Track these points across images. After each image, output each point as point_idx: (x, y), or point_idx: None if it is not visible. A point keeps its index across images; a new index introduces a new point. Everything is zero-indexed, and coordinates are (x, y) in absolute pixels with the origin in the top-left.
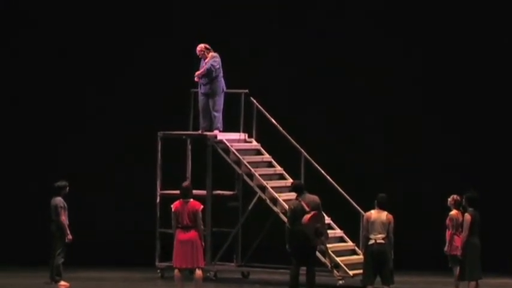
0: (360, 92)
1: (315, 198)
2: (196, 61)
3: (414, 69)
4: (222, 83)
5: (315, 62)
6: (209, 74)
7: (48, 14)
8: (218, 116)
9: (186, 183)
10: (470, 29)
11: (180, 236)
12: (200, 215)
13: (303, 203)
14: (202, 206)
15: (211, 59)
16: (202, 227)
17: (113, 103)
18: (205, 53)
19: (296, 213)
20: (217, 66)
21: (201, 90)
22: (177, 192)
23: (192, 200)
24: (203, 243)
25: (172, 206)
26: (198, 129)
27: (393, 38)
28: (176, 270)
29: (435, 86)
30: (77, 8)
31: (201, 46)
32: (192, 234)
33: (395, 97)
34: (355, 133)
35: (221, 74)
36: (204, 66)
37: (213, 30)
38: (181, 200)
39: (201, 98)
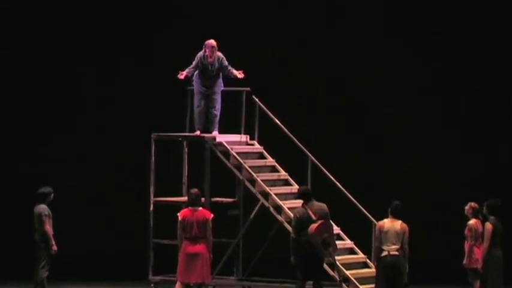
0: (376, 92)
1: (322, 206)
2: (192, 56)
3: (432, 74)
4: (221, 80)
5: (324, 57)
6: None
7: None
8: (218, 115)
9: (194, 190)
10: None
11: (188, 248)
12: (210, 225)
13: (309, 211)
14: (212, 215)
15: (222, 57)
16: (211, 238)
17: (103, 102)
18: (215, 51)
19: (302, 222)
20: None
21: (199, 88)
22: (172, 199)
23: (201, 208)
24: (211, 256)
25: (179, 214)
26: (194, 131)
27: (403, 40)
28: (178, 284)
29: (453, 95)
30: (71, 9)
31: (214, 42)
32: (201, 246)
33: (411, 98)
34: (367, 136)
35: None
36: (213, 62)
37: (212, 26)
38: (189, 208)
39: (197, 96)
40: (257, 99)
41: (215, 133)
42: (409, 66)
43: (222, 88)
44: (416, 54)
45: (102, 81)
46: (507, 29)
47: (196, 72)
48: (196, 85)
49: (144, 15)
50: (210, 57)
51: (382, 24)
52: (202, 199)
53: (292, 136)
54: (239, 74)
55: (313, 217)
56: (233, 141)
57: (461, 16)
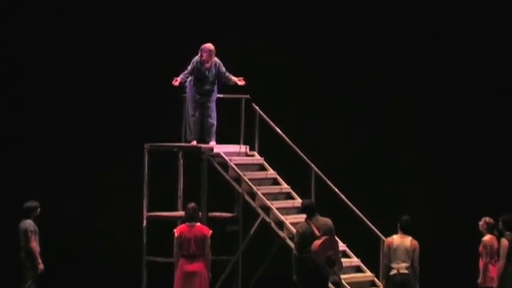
0: (381, 100)
1: (327, 221)
2: (186, 62)
3: (441, 80)
4: (216, 87)
5: (329, 62)
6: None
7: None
8: (214, 124)
9: (192, 204)
10: None
11: (185, 266)
12: (209, 242)
13: (313, 227)
14: (211, 232)
15: (219, 63)
16: (210, 255)
17: (94, 109)
18: (213, 55)
19: (305, 238)
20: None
21: (194, 95)
22: (167, 214)
23: (199, 224)
24: (210, 275)
25: (175, 230)
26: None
27: (403, 40)
28: None
29: (453, 95)
30: (71, 9)
31: (212, 46)
32: (199, 264)
33: (418, 107)
34: (374, 146)
35: None
36: (209, 68)
37: (209, 31)
38: (186, 223)
39: (191, 104)
40: (257, 107)
41: (212, 143)
42: (409, 67)
43: (217, 95)
44: (416, 54)
45: (90, 88)
46: (506, 29)
47: (190, 78)
48: (190, 92)
49: (141, 17)
50: (207, 62)
51: (382, 25)
52: (200, 214)
53: (294, 146)
54: (239, 81)
55: (317, 233)
56: (232, 152)
57: (461, 16)
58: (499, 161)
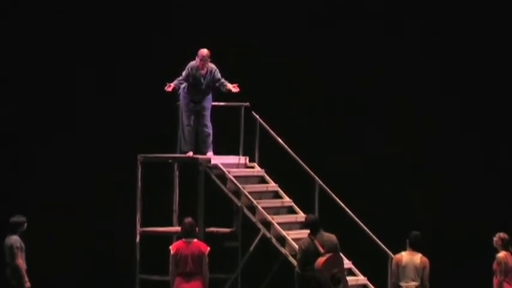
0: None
1: (331, 237)
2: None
3: (441, 80)
4: (211, 94)
5: (329, 63)
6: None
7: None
8: (211, 134)
9: (188, 219)
10: None
11: (182, 285)
12: (207, 259)
13: (316, 243)
14: (209, 249)
15: (215, 69)
16: (208, 274)
17: (86, 119)
18: (208, 61)
19: (308, 255)
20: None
21: (188, 103)
22: (161, 229)
23: (196, 240)
24: None
25: (171, 247)
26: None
27: (403, 40)
28: None
29: (452, 95)
30: (71, 9)
31: (207, 51)
32: (196, 283)
33: (418, 107)
34: (382, 158)
35: None
36: (205, 74)
37: (206, 37)
38: (182, 240)
39: (186, 113)
40: (257, 116)
41: (210, 154)
42: (409, 67)
43: (215, 103)
44: (416, 54)
45: (90, 88)
46: (506, 28)
47: (184, 85)
48: (184, 100)
49: (141, 17)
50: (202, 68)
51: (382, 25)
52: (197, 229)
53: (297, 157)
54: (234, 88)
55: (321, 250)
56: (230, 164)
57: (461, 16)
58: (499, 161)
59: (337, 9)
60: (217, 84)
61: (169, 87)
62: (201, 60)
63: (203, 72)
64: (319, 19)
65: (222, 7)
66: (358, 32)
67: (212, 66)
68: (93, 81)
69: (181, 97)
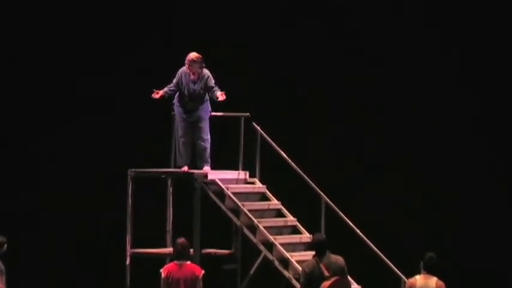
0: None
1: (338, 259)
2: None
3: (441, 80)
4: (208, 103)
5: (329, 63)
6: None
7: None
8: (208, 148)
9: (181, 240)
10: None
11: None
12: (201, 283)
13: (321, 266)
14: (203, 272)
15: (208, 76)
16: None
17: (74, 132)
18: (202, 66)
19: (312, 278)
20: None
21: (181, 114)
22: (153, 251)
23: (189, 262)
24: None
25: (162, 270)
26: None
27: (402, 40)
28: None
29: (453, 95)
30: (64, 13)
31: (197, 55)
32: None
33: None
34: (391, 173)
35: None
36: (196, 80)
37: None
38: (175, 262)
39: (180, 124)
40: (258, 127)
41: (206, 169)
42: (409, 66)
43: (210, 113)
44: (416, 54)
45: (90, 88)
46: (506, 28)
47: (177, 94)
48: (177, 110)
49: (141, 17)
50: (193, 74)
51: (383, 25)
52: (191, 251)
53: (301, 172)
54: (221, 96)
55: (326, 273)
56: (229, 179)
57: (461, 16)
58: (499, 162)
59: (342, 20)
60: (209, 94)
61: (156, 94)
62: (188, 65)
63: (194, 78)
64: (320, 19)
65: (222, 8)
66: (359, 32)
67: (205, 72)
68: (96, 77)
69: (175, 107)
